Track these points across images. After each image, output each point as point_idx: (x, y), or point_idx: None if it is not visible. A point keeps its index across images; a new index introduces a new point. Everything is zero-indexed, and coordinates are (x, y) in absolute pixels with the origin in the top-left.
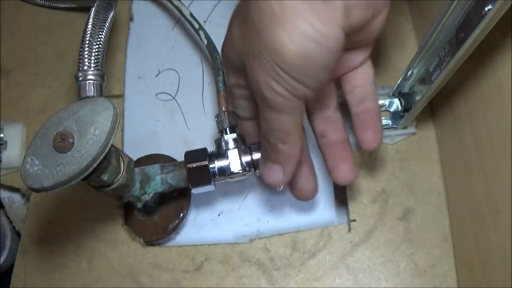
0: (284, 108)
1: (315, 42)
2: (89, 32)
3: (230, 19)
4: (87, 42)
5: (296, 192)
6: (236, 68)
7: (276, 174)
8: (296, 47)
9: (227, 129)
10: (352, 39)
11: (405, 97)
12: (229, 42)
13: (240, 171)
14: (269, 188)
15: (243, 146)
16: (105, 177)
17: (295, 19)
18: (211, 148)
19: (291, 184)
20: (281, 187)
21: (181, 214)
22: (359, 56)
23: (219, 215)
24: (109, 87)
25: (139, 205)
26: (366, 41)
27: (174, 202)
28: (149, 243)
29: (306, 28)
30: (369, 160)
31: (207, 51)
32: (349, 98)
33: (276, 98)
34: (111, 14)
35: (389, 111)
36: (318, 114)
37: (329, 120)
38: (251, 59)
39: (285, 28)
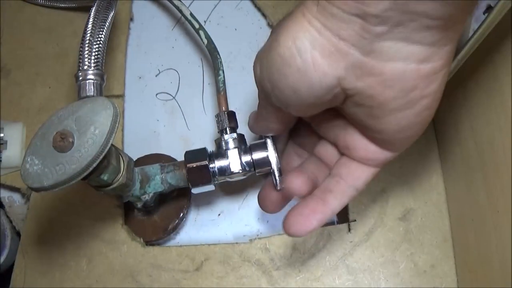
0: (260, 92)
1: (302, 61)
2: (89, 31)
3: None
4: (87, 41)
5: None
6: None
7: (251, 119)
8: (283, 51)
9: (227, 129)
10: (356, 113)
11: None
12: None
13: (240, 171)
14: None
15: (243, 146)
16: (105, 177)
17: (302, 31)
18: (211, 148)
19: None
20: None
21: (181, 214)
22: (365, 150)
23: (219, 215)
24: (109, 87)
25: (139, 204)
26: (378, 141)
27: (174, 202)
28: (149, 243)
29: (304, 44)
30: None
31: (207, 51)
32: (326, 179)
33: (255, 77)
34: (111, 14)
35: None
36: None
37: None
38: None
39: (289, 30)
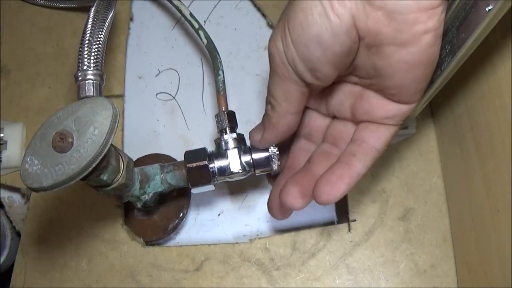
0: (280, 71)
1: (322, 7)
2: (88, 31)
3: None
4: (86, 41)
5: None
6: None
7: (257, 134)
8: (304, 4)
9: (227, 128)
10: (370, 60)
11: None
12: None
13: (240, 171)
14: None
15: (243, 145)
16: (104, 177)
17: None
18: (211, 148)
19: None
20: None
21: (181, 214)
22: (384, 109)
23: (219, 215)
24: (109, 87)
25: (139, 204)
26: (392, 90)
27: (174, 202)
28: (149, 243)
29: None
30: None
31: (207, 51)
32: (348, 145)
33: (275, 56)
34: (111, 14)
35: None
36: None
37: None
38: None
39: None
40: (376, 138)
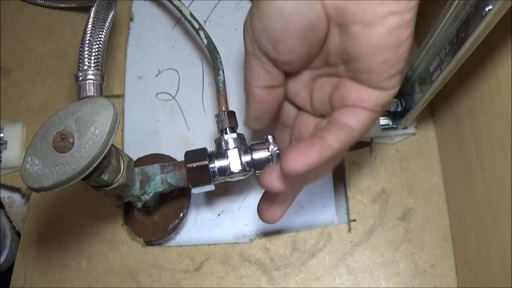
0: (247, 47)
1: None
2: (89, 31)
3: None
4: (87, 41)
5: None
6: None
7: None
8: None
9: (227, 128)
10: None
11: (405, 97)
12: None
13: (240, 171)
14: None
15: (243, 146)
16: (105, 177)
17: None
18: (211, 148)
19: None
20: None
21: (181, 214)
22: (358, 93)
23: (219, 215)
24: (109, 87)
25: (139, 204)
26: (363, 74)
27: (174, 202)
28: (149, 243)
29: None
30: (369, 160)
31: (207, 51)
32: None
33: (244, 32)
34: (111, 14)
35: (389, 111)
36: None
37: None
38: None
39: None
40: (349, 116)
